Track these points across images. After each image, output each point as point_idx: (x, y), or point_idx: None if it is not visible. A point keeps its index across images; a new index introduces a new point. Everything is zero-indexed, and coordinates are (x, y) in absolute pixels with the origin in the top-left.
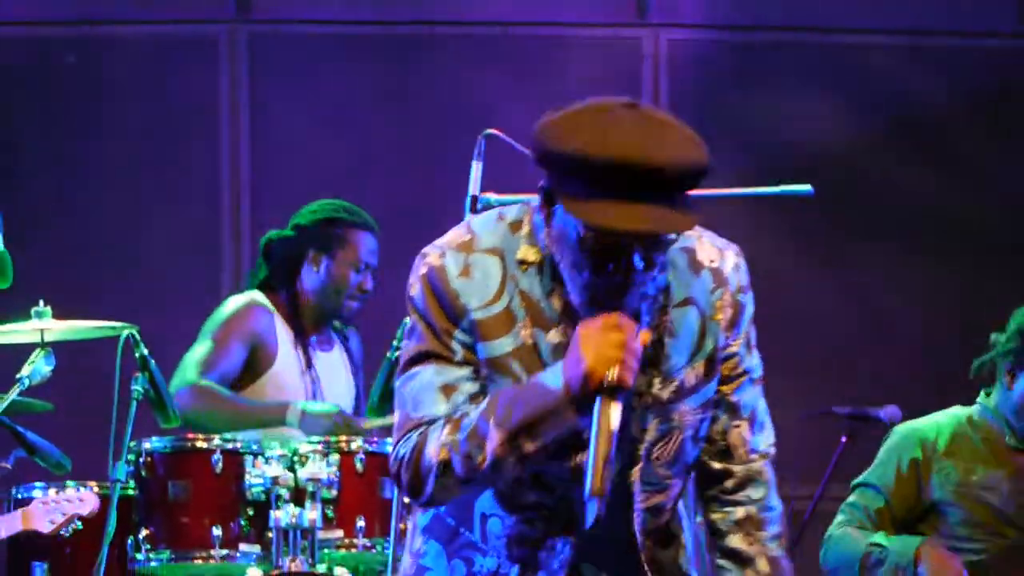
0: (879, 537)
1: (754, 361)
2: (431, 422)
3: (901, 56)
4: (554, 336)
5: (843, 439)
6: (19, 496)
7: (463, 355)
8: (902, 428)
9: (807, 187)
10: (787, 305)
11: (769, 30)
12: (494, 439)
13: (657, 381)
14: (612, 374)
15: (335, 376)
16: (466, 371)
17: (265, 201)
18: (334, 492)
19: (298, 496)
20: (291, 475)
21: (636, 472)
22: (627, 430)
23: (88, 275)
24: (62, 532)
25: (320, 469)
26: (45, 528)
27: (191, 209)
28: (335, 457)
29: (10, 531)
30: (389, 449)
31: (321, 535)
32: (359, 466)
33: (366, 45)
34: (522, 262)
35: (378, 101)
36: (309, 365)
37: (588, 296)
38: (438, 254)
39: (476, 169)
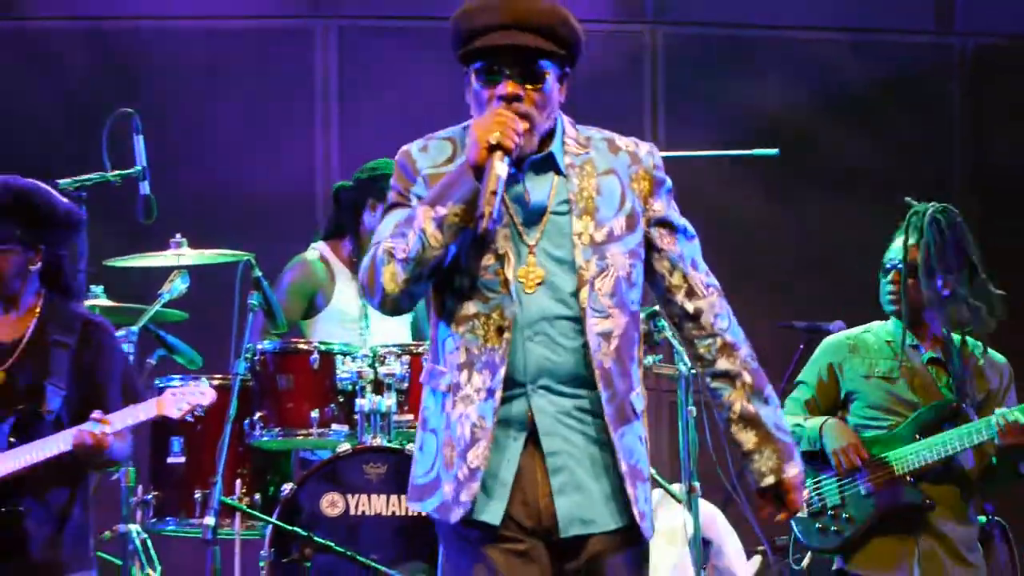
0: (798, 418)
1: (685, 223)
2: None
3: (844, 49)
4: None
5: (800, 346)
6: (161, 386)
7: (414, 203)
8: (829, 338)
9: (774, 150)
10: (756, 243)
11: (743, 27)
12: (418, 215)
13: (592, 226)
14: (495, 137)
15: None
16: None
17: (350, 159)
18: (405, 385)
19: (377, 387)
20: (372, 371)
21: (584, 295)
22: (576, 263)
23: (215, 214)
24: (187, 418)
25: (395, 366)
26: (174, 414)
27: (293, 164)
28: (406, 358)
29: (147, 416)
30: None
31: (395, 418)
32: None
33: (432, 36)
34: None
35: (441, 83)
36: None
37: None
38: (405, 147)
39: None
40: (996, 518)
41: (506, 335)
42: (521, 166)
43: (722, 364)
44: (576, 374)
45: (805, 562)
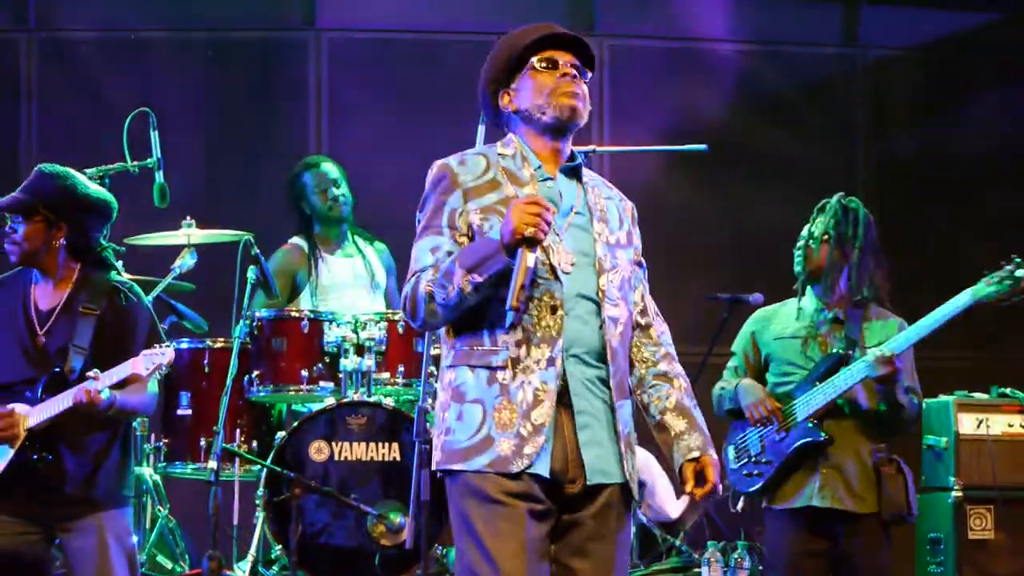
0: (725, 382)
1: (643, 265)
2: (423, 270)
3: (764, 58)
4: (526, 190)
5: (724, 315)
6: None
7: (447, 220)
8: (754, 312)
9: (703, 146)
10: (687, 226)
11: (678, 40)
12: (457, 274)
13: (606, 230)
14: (529, 231)
15: (344, 273)
16: (446, 238)
17: (339, 153)
18: (383, 347)
19: (359, 350)
20: (355, 335)
21: (603, 282)
22: (596, 255)
23: (219, 199)
24: (155, 375)
25: (374, 331)
26: (142, 372)
27: (288, 160)
28: (384, 323)
29: (126, 373)
30: None
31: (374, 376)
32: (400, 330)
33: (402, 47)
34: (502, 155)
35: (412, 86)
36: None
37: (553, 105)
38: (443, 161)
39: (481, 130)
40: (892, 456)
41: (559, 313)
42: (555, 171)
43: (663, 367)
44: (595, 348)
45: (740, 505)
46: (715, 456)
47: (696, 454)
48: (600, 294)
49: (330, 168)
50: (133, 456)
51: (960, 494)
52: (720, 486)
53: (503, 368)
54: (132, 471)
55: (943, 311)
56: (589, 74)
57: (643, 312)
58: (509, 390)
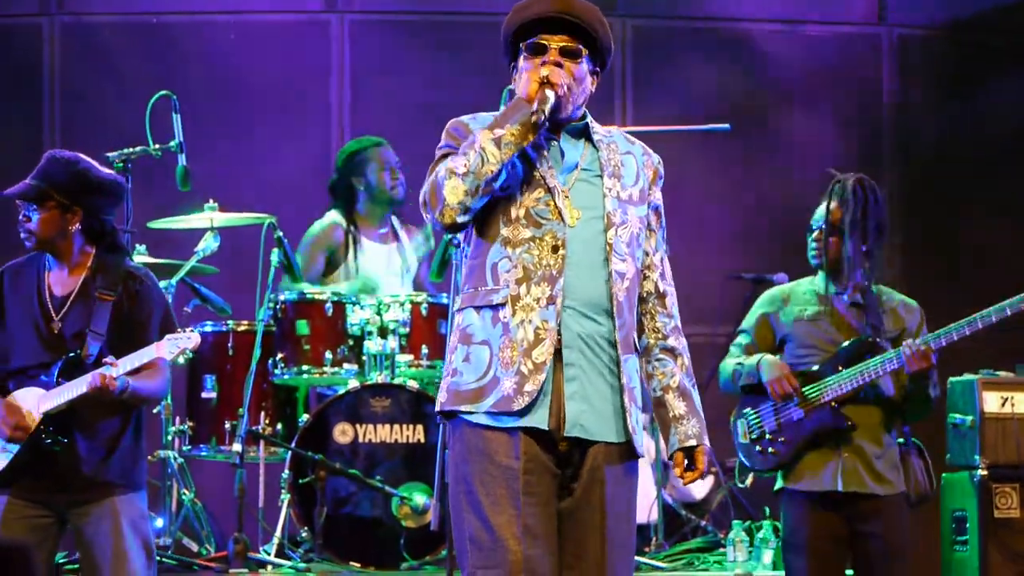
0: (739, 359)
1: (663, 226)
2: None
3: (789, 37)
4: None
5: (748, 294)
6: (196, 330)
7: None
8: (765, 292)
9: (726, 125)
10: (711, 206)
11: (700, 20)
12: (479, 137)
13: (618, 185)
14: (543, 75)
15: (379, 259)
16: None
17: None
18: (407, 329)
19: (383, 332)
20: (378, 317)
21: (611, 235)
22: (606, 209)
23: (241, 182)
24: (178, 359)
25: (398, 313)
26: (167, 356)
27: (311, 142)
28: (408, 305)
29: (148, 358)
30: (444, 300)
31: (398, 359)
32: (424, 312)
33: (432, 28)
34: None
35: (434, 68)
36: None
37: (526, 95)
38: (456, 118)
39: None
40: (913, 440)
41: (561, 252)
42: (559, 131)
43: (672, 342)
44: (597, 302)
45: (748, 481)
46: (708, 444)
47: (693, 443)
48: (608, 247)
49: (393, 154)
50: (145, 440)
51: (985, 472)
52: (708, 472)
53: (503, 305)
54: (145, 455)
55: (985, 315)
56: (585, 60)
57: (663, 276)
58: (510, 328)
